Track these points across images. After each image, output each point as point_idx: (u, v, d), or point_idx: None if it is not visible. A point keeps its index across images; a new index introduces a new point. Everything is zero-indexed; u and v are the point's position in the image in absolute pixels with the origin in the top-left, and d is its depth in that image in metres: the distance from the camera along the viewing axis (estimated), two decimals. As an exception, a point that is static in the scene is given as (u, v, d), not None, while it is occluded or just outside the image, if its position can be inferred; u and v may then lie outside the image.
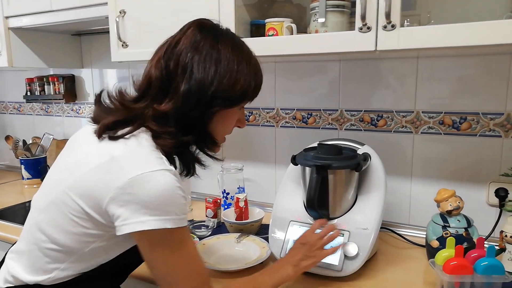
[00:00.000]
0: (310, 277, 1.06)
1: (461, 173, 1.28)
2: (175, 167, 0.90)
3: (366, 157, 1.14)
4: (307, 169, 1.12)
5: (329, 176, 1.09)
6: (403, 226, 1.37)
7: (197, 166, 0.89)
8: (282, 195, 1.23)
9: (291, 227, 1.14)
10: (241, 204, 1.36)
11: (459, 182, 1.28)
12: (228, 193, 1.52)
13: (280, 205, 1.20)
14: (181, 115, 0.79)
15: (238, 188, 1.52)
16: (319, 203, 1.07)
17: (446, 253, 0.94)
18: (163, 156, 0.77)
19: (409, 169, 1.35)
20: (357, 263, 1.03)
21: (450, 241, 0.95)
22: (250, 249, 1.20)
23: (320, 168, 1.06)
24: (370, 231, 1.06)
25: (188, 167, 0.87)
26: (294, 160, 1.17)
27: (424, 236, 1.15)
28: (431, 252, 1.08)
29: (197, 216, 1.49)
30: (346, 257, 1.03)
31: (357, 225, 1.08)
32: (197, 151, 0.87)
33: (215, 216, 1.43)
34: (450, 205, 1.09)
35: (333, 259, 1.04)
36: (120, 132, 0.78)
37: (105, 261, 0.83)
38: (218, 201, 1.46)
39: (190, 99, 0.79)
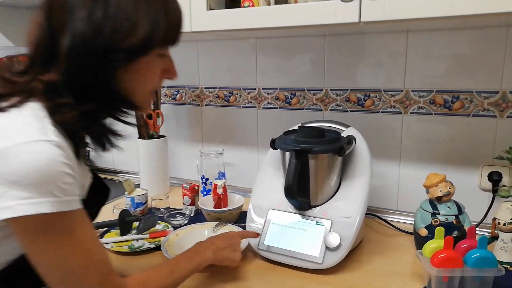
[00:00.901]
0: (288, 269, 0.99)
1: (453, 156, 1.20)
2: (86, 144, 0.75)
3: (350, 140, 1.05)
4: (287, 153, 1.03)
5: (310, 161, 1.00)
6: (391, 212, 1.29)
7: (113, 138, 0.74)
8: (261, 181, 1.15)
9: (270, 215, 1.06)
10: (219, 191, 1.28)
11: (450, 165, 1.20)
12: (207, 179, 1.43)
13: (259, 192, 1.13)
14: (70, 81, 0.64)
15: (218, 173, 1.43)
16: (298, 191, 0.98)
17: (435, 244, 0.87)
18: (50, 126, 0.62)
19: (398, 152, 1.27)
20: (339, 254, 0.96)
21: (439, 231, 0.87)
22: (227, 239, 1.12)
23: (299, 152, 0.97)
24: (354, 219, 0.98)
25: (101, 141, 0.73)
26: (274, 144, 1.08)
27: (413, 222, 1.08)
28: (420, 241, 1.01)
29: (174, 203, 1.41)
30: (327, 248, 0.96)
31: (340, 213, 1.00)
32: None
33: (193, 203, 1.35)
34: (440, 190, 1.01)
35: (314, 251, 0.97)
36: (3, 104, 0.64)
37: (13, 260, 0.69)
38: (196, 187, 1.37)
39: (75, 59, 0.63)
